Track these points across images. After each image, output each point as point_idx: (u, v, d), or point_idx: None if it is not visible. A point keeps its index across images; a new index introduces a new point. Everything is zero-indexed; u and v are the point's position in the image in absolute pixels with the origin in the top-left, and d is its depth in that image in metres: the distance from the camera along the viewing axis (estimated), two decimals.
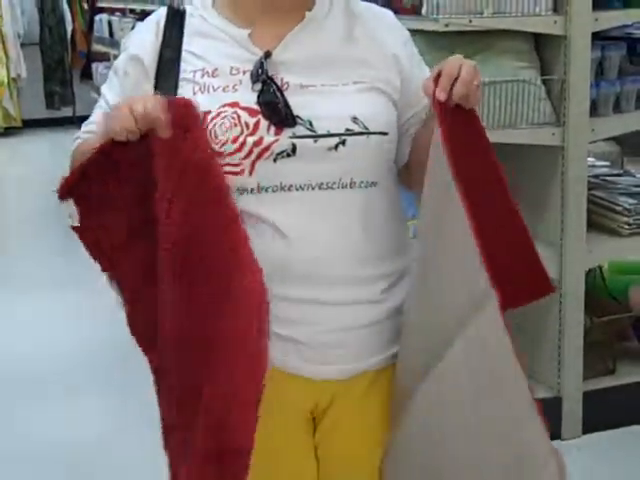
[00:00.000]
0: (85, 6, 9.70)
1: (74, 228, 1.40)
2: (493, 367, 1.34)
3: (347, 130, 1.41)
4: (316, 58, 1.46)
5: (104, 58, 8.25)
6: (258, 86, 1.42)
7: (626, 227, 2.91)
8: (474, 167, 1.38)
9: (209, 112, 1.40)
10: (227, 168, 1.40)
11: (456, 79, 1.36)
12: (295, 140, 1.40)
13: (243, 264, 1.34)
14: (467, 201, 1.34)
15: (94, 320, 4.10)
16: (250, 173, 1.40)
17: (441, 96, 1.36)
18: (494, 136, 2.59)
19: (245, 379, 1.33)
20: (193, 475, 1.37)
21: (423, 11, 2.74)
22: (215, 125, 1.40)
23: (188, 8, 1.53)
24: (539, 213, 2.88)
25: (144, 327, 1.41)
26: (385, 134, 1.45)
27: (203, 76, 1.45)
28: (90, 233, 1.40)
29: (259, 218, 1.41)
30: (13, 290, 4.77)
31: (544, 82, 2.79)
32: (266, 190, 1.41)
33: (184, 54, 1.48)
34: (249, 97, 1.41)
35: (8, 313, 4.41)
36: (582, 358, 2.91)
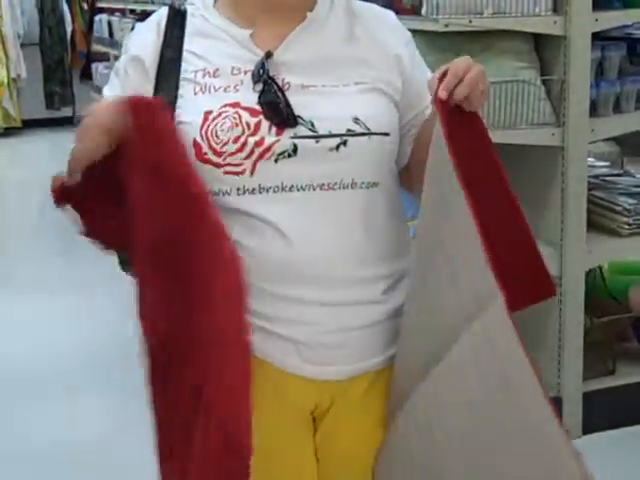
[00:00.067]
0: (85, 6, 9.70)
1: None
2: (502, 367, 1.33)
3: (348, 131, 1.41)
4: (317, 58, 1.46)
5: (104, 58, 8.25)
6: (259, 86, 1.42)
7: (626, 227, 2.91)
8: (475, 166, 1.38)
9: (210, 112, 1.40)
10: (228, 168, 1.40)
11: (462, 80, 1.36)
12: (296, 140, 1.40)
13: (219, 259, 1.33)
14: (470, 200, 1.34)
15: (94, 320, 4.10)
16: (251, 173, 1.40)
17: (442, 94, 1.36)
18: (494, 136, 2.58)
19: (232, 374, 1.33)
20: (194, 475, 1.37)
21: (423, 11, 2.74)
22: (216, 125, 1.40)
23: (189, 8, 1.53)
24: (539, 213, 2.88)
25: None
26: (386, 135, 1.45)
27: (204, 76, 1.45)
28: (97, 234, 1.40)
29: (260, 218, 1.41)
30: (13, 290, 4.76)
31: (544, 82, 2.79)
32: (267, 190, 1.41)
33: (185, 54, 1.48)
34: (250, 97, 1.42)
35: (8, 313, 4.41)
36: (582, 358, 2.91)
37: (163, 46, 1.49)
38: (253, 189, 1.41)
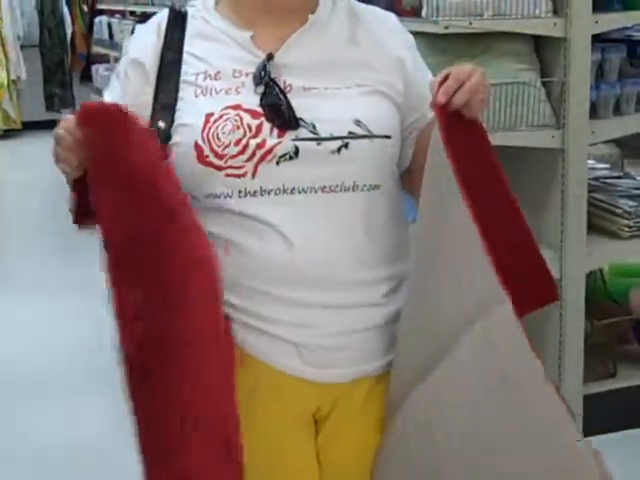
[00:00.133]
0: (85, 8, 9.69)
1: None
2: (510, 369, 1.33)
3: (350, 133, 1.41)
4: (319, 61, 1.46)
5: (104, 60, 8.24)
6: (261, 89, 1.42)
7: (626, 230, 2.91)
8: (475, 170, 1.38)
9: (212, 114, 1.40)
10: (230, 171, 1.40)
11: (462, 85, 1.36)
12: (298, 143, 1.40)
13: (193, 258, 1.33)
14: (469, 202, 1.33)
15: (93, 321, 4.09)
16: (253, 176, 1.40)
17: (441, 99, 1.36)
18: (494, 138, 2.58)
19: (209, 373, 1.33)
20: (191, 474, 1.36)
21: (423, 13, 2.74)
22: (218, 128, 1.39)
23: (190, 10, 1.52)
24: (539, 215, 2.87)
25: None
26: (388, 137, 1.44)
27: (205, 79, 1.45)
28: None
29: (261, 221, 1.41)
30: (13, 291, 4.77)
31: (544, 84, 2.78)
32: (268, 193, 1.40)
33: (185, 56, 1.47)
34: (252, 99, 1.41)
35: (8, 314, 4.41)
36: (583, 361, 2.90)
37: (163, 48, 1.48)
38: (254, 191, 1.40)
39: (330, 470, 1.50)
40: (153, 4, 6.10)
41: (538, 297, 1.46)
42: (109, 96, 1.51)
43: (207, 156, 1.39)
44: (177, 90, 1.45)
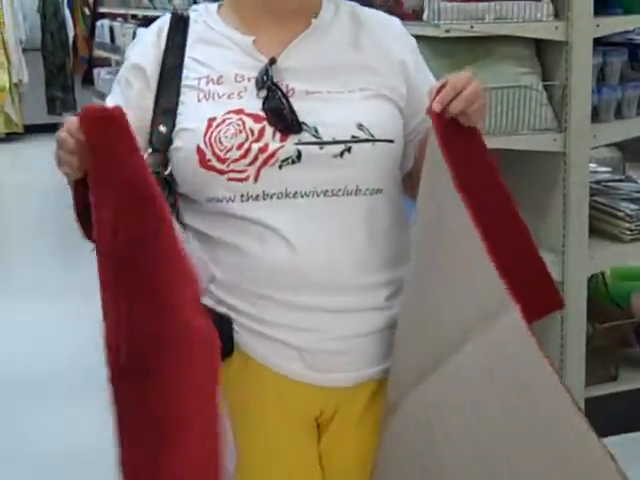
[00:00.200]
0: (87, 12, 9.70)
1: None
2: (516, 371, 1.34)
3: (353, 137, 1.41)
4: (321, 65, 1.46)
5: (105, 64, 8.26)
6: (263, 93, 1.42)
7: (628, 233, 2.91)
8: (473, 178, 1.37)
9: (214, 119, 1.40)
10: (232, 175, 1.40)
11: (459, 94, 1.36)
12: (300, 147, 1.40)
13: (175, 262, 1.33)
14: (468, 207, 1.33)
15: (94, 324, 4.09)
16: (255, 180, 1.40)
17: (436, 107, 1.36)
18: (495, 142, 2.60)
19: (202, 373, 1.33)
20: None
21: (424, 16, 2.74)
22: (220, 132, 1.39)
23: (192, 14, 1.52)
24: (541, 219, 2.87)
25: None
26: (391, 141, 1.44)
27: (208, 83, 1.45)
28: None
29: (264, 225, 1.41)
30: (14, 293, 4.77)
31: (545, 88, 2.78)
32: (271, 197, 1.40)
33: (187, 61, 1.47)
34: (254, 104, 1.41)
35: (8, 316, 4.41)
36: (584, 364, 2.90)
37: (165, 53, 1.48)
38: (257, 195, 1.40)
39: (332, 474, 1.50)
40: (155, 8, 6.11)
41: (541, 305, 1.44)
42: (111, 101, 1.51)
43: (209, 160, 1.39)
44: (178, 95, 1.45)
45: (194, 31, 1.49)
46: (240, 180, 1.40)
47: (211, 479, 1.31)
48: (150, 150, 1.44)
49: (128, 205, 1.32)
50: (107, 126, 1.31)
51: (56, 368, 3.73)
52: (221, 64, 1.46)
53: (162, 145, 1.45)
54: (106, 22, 8.04)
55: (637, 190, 3.10)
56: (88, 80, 9.06)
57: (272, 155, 1.39)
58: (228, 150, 1.38)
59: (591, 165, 3.06)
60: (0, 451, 3.07)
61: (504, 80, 2.72)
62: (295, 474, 1.49)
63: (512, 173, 2.66)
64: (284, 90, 1.42)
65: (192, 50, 1.48)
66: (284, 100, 1.41)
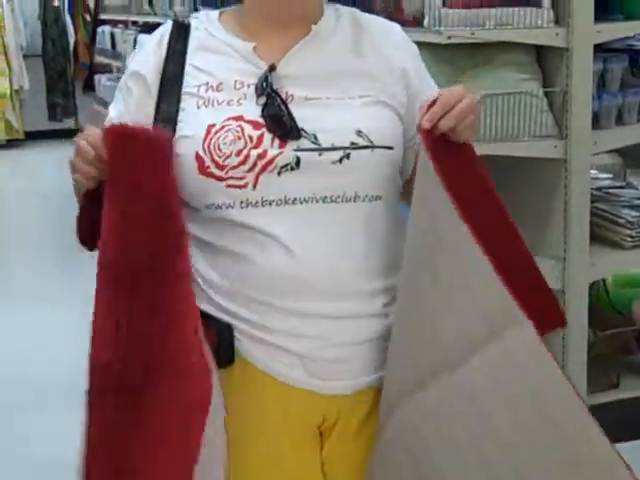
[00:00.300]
0: (87, 18, 9.72)
1: None
2: (530, 384, 1.34)
3: (352, 144, 1.41)
4: (321, 71, 1.46)
5: (106, 70, 8.26)
6: (263, 99, 1.42)
7: (629, 240, 2.91)
8: (464, 192, 1.36)
9: (213, 125, 1.40)
10: (231, 182, 1.39)
11: (449, 111, 1.36)
12: (299, 153, 1.39)
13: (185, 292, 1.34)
14: (468, 224, 1.33)
15: None
16: (254, 186, 1.40)
17: (425, 125, 1.36)
18: (496, 149, 2.59)
19: (193, 389, 1.33)
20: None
21: (425, 23, 2.74)
22: (219, 138, 1.39)
23: (193, 22, 1.52)
24: (542, 226, 2.86)
25: None
26: (390, 148, 1.44)
27: (207, 90, 1.45)
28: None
29: (263, 231, 1.41)
30: (14, 301, 4.76)
31: (546, 94, 2.78)
32: (270, 203, 1.40)
33: (188, 68, 1.48)
34: (254, 110, 1.41)
35: (8, 323, 4.40)
36: (586, 372, 2.89)
37: (166, 61, 1.48)
38: (256, 202, 1.40)
39: None
40: (155, 14, 6.11)
41: (541, 321, 1.38)
42: (114, 109, 1.52)
43: (208, 167, 1.39)
44: (179, 102, 1.46)
45: (195, 38, 1.49)
46: (239, 187, 1.39)
47: None
48: None
49: (137, 226, 1.33)
50: (130, 148, 1.32)
51: (57, 374, 3.73)
52: (221, 71, 1.46)
53: None
54: (107, 28, 8.04)
55: (638, 197, 3.09)
56: (89, 86, 9.06)
57: (271, 161, 1.39)
58: (227, 157, 1.38)
59: (592, 172, 3.05)
60: (0, 456, 3.06)
61: (505, 86, 2.72)
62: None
63: (513, 180, 2.67)
64: (283, 96, 1.42)
65: (193, 57, 1.48)
66: (283, 107, 1.41)
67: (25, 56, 9.45)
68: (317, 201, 1.41)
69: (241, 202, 1.40)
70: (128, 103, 1.49)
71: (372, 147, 1.42)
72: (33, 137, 9.42)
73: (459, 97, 1.37)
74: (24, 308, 4.60)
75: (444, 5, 2.67)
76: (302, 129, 1.40)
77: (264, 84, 1.43)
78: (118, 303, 1.33)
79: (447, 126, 1.36)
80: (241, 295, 1.43)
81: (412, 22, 2.84)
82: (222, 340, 1.42)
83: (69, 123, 9.61)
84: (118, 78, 6.82)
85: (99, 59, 8.47)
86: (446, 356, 1.37)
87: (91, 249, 1.41)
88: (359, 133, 1.41)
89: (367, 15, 1.56)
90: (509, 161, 2.63)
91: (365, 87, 1.46)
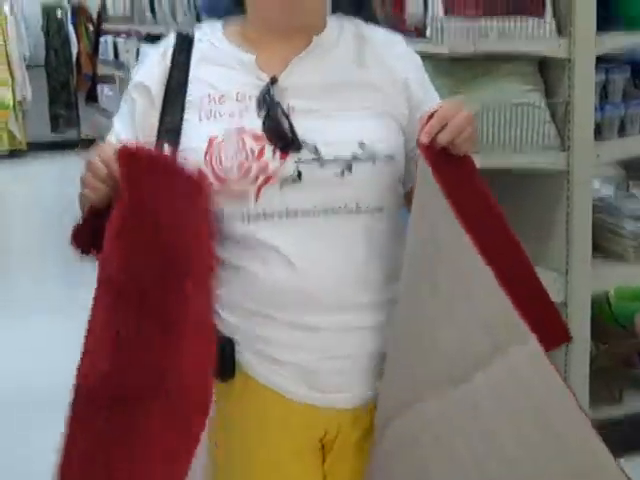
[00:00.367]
0: (90, 28, 9.75)
1: None
2: (529, 394, 1.34)
3: (353, 155, 1.41)
4: (323, 82, 1.46)
5: (109, 80, 8.27)
6: (264, 112, 1.42)
7: (632, 251, 2.90)
8: (465, 206, 1.36)
9: (215, 138, 1.41)
10: (232, 194, 1.39)
11: (447, 125, 1.35)
12: (301, 166, 1.39)
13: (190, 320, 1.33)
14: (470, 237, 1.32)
15: None
16: (256, 199, 1.40)
17: (423, 139, 1.36)
18: (498, 160, 2.58)
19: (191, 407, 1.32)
20: None
21: (427, 34, 2.74)
22: (220, 151, 1.40)
23: (197, 33, 1.53)
24: (544, 238, 2.86)
25: None
26: (392, 159, 1.44)
27: (210, 102, 1.45)
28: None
29: (264, 244, 1.41)
30: (13, 313, 4.75)
31: (548, 105, 2.77)
32: (272, 216, 1.40)
33: (191, 79, 1.48)
34: (255, 123, 1.41)
35: (7, 336, 4.39)
36: (588, 386, 2.87)
37: (170, 73, 1.49)
38: (258, 215, 1.40)
39: None
40: (158, 24, 6.12)
41: (545, 336, 1.37)
42: (118, 120, 1.52)
43: (210, 180, 1.39)
44: (182, 114, 1.46)
45: (198, 50, 1.50)
46: (241, 200, 1.39)
47: None
48: None
49: (141, 250, 1.33)
50: (144, 171, 1.33)
51: (57, 386, 3.71)
52: (223, 83, 1.46)
53: None
54: (110, 38, 8.07)
55: None
56: (92, 97, 9.08)
57: (272, 174, 1.39)
58: (228, 169, 1.39)
59: (594, 183, 3.04)
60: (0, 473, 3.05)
61: (507, 97, 2.71)
62: None
63: (514, 192, 2.65)
64: (285, 108, 1.42)
65: (196, 69, 1.48)
66: (284, 119, 1.41)
67: (28, 66, 9.47)
68: (319, 214, 1.41)
69: (242, 215, 1.40)
70: (133, 114, 1.49)
71: (374, 159, 1.42)
72: (35, 148, 9.44)
73: (456, 110, 1.37)
74: (23, 318, 4.60)
75: (446, 13, 2.66)
76: (303, 141, 1.40)
77: (266, 96, 1.43)
78: (118, 314, 1.33)
79: (445, 140, 1.36)
80: (243, 308, 1.43)
81: (414, 33, 2.83)
82: (223, 354, 1.42)
83: (72, 134, 9.62)
84: (121, 89, 6.84)
85: (102, 69, 8.49)
86: (447, 369, 1.37)
87: (83, 252, 1.41)
88: (361, 145, 1.41)
89: (371, 27, 1.56)
90: (511, 172, 2.63)
91: (367, 98, 1.46)
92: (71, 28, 9.73)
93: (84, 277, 1.40)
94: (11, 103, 9.21)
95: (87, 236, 1.38)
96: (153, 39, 5.51)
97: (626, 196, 3.28)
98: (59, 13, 9.62)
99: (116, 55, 7.67)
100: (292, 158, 1.39)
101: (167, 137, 1.44)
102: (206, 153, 1.40)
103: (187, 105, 1.46)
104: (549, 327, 1.44)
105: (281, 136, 1.40)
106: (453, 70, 2.70)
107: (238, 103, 1.44)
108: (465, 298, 1.35)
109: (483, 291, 1.33)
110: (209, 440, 1.45)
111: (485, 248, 1.33)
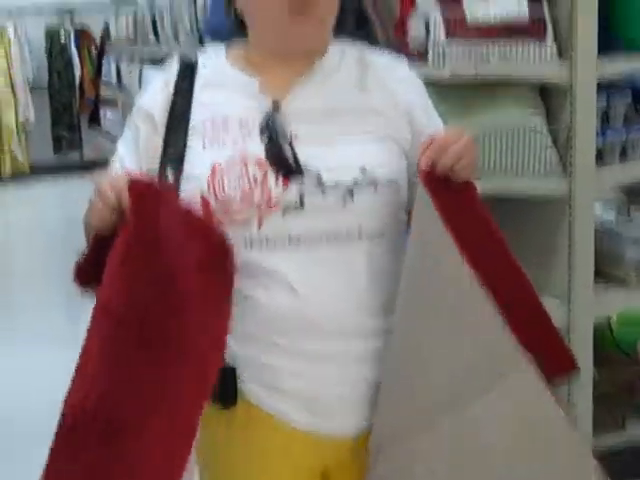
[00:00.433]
0: (94, 50, 9.79)
1: None
2: (526, 423, 1.32)
3: (354, 181, 1.41)
4: (326, 107, 1.47)
5: (112, 104, 8.29)
6: (267, 138, 1.42)
7: (634, 277, 2.88)
8: (466, 233, 1.35)
9: (218, 164, 1.42)
10: (235, 221, 1.39)
11: (446, 152, 1.35)
12: (303, 192, 1.40)
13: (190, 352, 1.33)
14: (469, 262, 1.31)
15: None
16: (259, 226, 1.40)
17: (422, 165, 1.36)
18: (499, 186, 2.57)
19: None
20: None
21: (429, 58, 2.74)
22: (223, 178, 1.41)
23: (201, 58, 1.54)
24: (546, 264, 2.84)
25: None
26: (394, 184, 1.44)
27: (213, 127, 1.46)
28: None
29: (267, 271, 1.41)
30: (16, 344, 4.72)
31: (549, 130, 2.77)
32: (274, 243, 1.41)
33: (194, 105, 1.49)
34: (258, 149, 1.42)
35: (8, 365, 4.37)
36: (592, 413, 2.85)
37: (173, 99, 1.49)
38: (260, 241, 1.40)
39: None
40: (160, 47, 6.14)
41: (550, 365, 1.37)
42: (122, 146, 1.53)
43: (212, 206, 1.39)
44: (186, 140, 1.46)
45: (202, 76, 1.51)
46: (243, 226, 1.39)
47: None
48: None
49: (142, 279, 1.34)
50: (154, 201, 1.34)
51: (57, 414, 3.70)
52: (227, 108, 1.47)
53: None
54: (112, 60, 8.10)
55: None
56: (94, 119, 9.11)
57: (275, 201, 1.40)
58: (232, 196, 1.39)
59: (596, 208, 3.03)
60: None
61: (508, 122, 2.71)
62: None
63: (516, 217, 2.65)
64: (287, 134, 1.42)
65: (200, 94, 1.50)
66: (287, 145, 1.42)
67: (31, 89, 9.51)
68: (321, 240, 1.41)
69: (245, 242, 1.40)
70: (136, 141, 1.50)
71: (376, 184, 1.42)
72: (38, 171, 9.45)
73: (455, 138, 1.37)
74: (25, 346, 4.57)
75: (447, 36, 2.66)
76: (306, 168, 1.40)
77: (268, 122, 1.43)
78: (116, 343, 1.32)
79: (444, 166, 1.36)
80: (245, 334, 1.43)
81: (417, 57, 2.83)
82: (225, 382, 1.41)
83: (74, 156, 9.65)
84: (123, 112, 6.85)
85: (104, 90, 8.52)
86: (442, 399, 1.36)
87: (86, 287, 1.41)
88: (362, 170, 1.41)
89: (375, 51, 1.57)
90: (512, 198, 2.61)
91: (370, 123, 1.47)
92: (74, 51, 9.78)
93: (85, 304, 1.40)
94: (14, 125, 9.24)
95: (90, 267, 1.37)
96: (156, 62, 5.53)
97: (627, 221, 3.27)
98: (62, 36, 9.66)
99: (119, 78, 7.70)
100: (294, 185, 1.40)
101: (170, 164, 1.44)
102: (209, 180, 1.40)
103: (190, 131, 1.47)
104: (554, 355, 1.43)
105: (284, 163, 1.41)
106: (454, 95, 2.69)
107: (241, 129, 1.44)
108: (462, 328, 1.34)
109: (481, 321, 1.32)
110: (208, 468, 1.44)
111: (486, 274, 1.32)
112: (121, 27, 7.77)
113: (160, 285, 1.33)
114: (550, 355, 1.39)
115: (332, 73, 1.50)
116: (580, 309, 2.80)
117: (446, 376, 1.36)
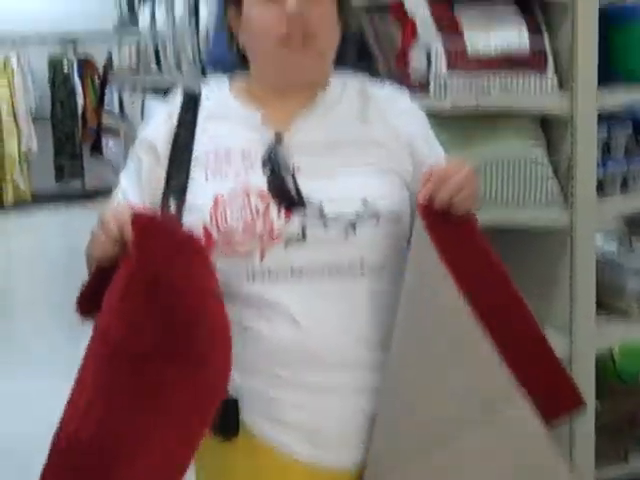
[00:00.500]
0: (97, 80, 9.84)
1: None
2: (517, 457, 1.31)
3: (356, 214, 1.41)
4: (327, 140, 1.47)
5: (114, 133, 8.32)
6: (269, 170, 1.42)
7: (636, 308, 2.87)
8: (466, 266, 1.35)
9: (220, 196, 1.42)
10: (237, 253, 1.39)
11: (445, 185, 1.35)
12: (305, 225, 1.40)
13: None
14: (468, 296, 1.31)
15: None
16: (261, 258, 1.40)
17: (421, 199, 1.36)
18: (500, 217, 2.57)
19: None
20: None
21: (430, 89, 2.75)
22: (226, 210, 1.41)
23: (204, 90, 1.55)
24: (547, 295, 2.84)
25: None
26: (396, 216, 1.44)
27: (215, 160, 1.46)
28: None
29: (269, 303, 1.41)
30: (17, 372, 4.71)
31: (550, 161, 2.77)
32: (276, 275, 1.41)
33: (198, 137, 1.50)
34: (260, 181, 1.42)
35: (11, 394, 4.35)
36: (594, 445, 2.83)
37: (176, 132, 1.50)
38: (262, 273, 1.40)
39: None
40: (163, 75, 6.17)
41: (558, 402, 1.36)
42: (125, 177, 1.53)
43: (215, 238, 1.39)
44: (188, 171, 1.46)
45: (205, 108, 1.51)
46: (245, 258, 1.39)
47: None
48: None
49: (142, 315, 1.33)
50: (157, 238, 1.34)
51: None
52: (229, 140, 1.47)
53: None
54: (115, 90, 8.14)
55: None
56: (96, 148, 9.15)
57: (277, 233, 1.40)
58: (234, 228, 1.39)
59: (597, 239, 3.03)
60: None
61: (509, 154, 2.71)
62: None
63: (517, 249, 2.64)
64: (290, 166, 1.43)
65: (203, 126, 1.51)
66: (289, 177, 1.42)
67: (34, 119, 9.55)
68: (323, 272, 1.42)
69: (247, 274, 1.40)
70: (139, 172, 1.50)
71: (377, 217, 1.41)
72: (40, 200, 9.47)
73: (456, 169, 1.37)
74: (25, 375, 4.56)
75: (448, 67, 2.68)
76: (308, 200, 1.40)
77: (271, 154, 1.44)
78: (111, 373, 1.31)
79: (442, 199, 1.36)
80: (246, 366, 1.43)
81: (419, 88, 2.85)
82: (227, 413, 1.40)
83: (76, 184, 9.67)
84: (125, 142, 6.88)
85: (107, 119, 8.55)
86: (438, 431, 1.35)
87: (87, 316, 1.40)
88: (364, 202, 1.42)
89: (377, 83, 1.57)
90: (513, 229, 2.62)
91: (371, 155, 1.47)
92: (77, 80, 9.83)
93: (88, 332, 1.41)
94: (17, 155, 9.27)
95: (92, 297, 1.38)
96: (159, 92, 5.56)
97: (629, 252, 3.27)
98: (66, 66, 9.72)
99: (121, 107, 7.73)
100: (297, 217, 1.40)
101: (173, 195, 1.45)
102: (212, 211, 1.41)
103: (193, 162, 1.47)
104: (560, 391, 1.41)
105: (286, 195, 1.41)
106: (456, 126, 2.70)
107: (244, 161, 1.45)
108: (458, 361, 1.34)
109: (477, 355, 1.31)
110: None
111: (488, 307, 1.32)
112: (124, 56, 7.82)
113: (160, 319, 1.32)
114: (555, 391, 1.37)
115: (334, 105, 1.50)
116: (582, 340, 2.79)
117: (440, 409, 1.35)
